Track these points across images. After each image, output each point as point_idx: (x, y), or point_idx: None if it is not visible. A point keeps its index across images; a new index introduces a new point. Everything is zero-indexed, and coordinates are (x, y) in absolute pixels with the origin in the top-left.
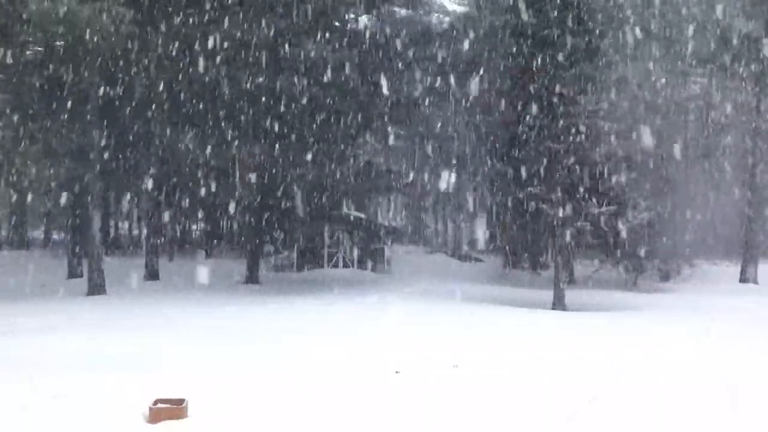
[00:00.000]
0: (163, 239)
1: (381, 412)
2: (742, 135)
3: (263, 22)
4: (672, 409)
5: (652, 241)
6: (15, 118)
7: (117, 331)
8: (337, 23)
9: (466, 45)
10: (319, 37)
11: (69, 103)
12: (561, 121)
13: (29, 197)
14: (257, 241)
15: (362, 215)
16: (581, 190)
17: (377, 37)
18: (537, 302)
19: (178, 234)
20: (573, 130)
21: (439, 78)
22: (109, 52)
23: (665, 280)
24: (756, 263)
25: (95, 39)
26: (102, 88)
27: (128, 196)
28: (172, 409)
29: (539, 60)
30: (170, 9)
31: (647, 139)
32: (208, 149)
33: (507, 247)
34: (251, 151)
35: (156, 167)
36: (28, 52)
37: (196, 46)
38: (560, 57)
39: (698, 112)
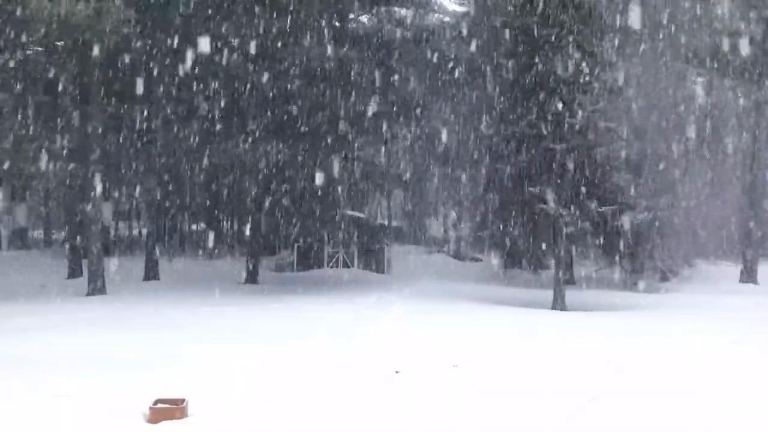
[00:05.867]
0: (163, 239)
1: (381, 412)
2: (743, 135)
3: (264, 21)
4: (671, 409)
5: (652, 241)
6: (14, 118)
7: (117, 331)
8: (337, 23)
9: (465, 45)
10: (319, 36)
11: (69, 103)
12: (561, 121)
13: (29, 197)
14: (257, 241)
15: (362, 215)
16: (581, 190)
17: (377, 36)
18: (537, 302)
19: (178, 234)
20: (573, 130)
21: (439, 77)
22: (109, 52)
23: (665, 280)
24: (756, 263)
25: (95, 39)
26: (102, 88)
27: (128, 196)
28: (172, 409)
29: (539, 60)
30: (170, 9)
31: (647, 139)
32: (208, 149)
33: (507, 247)
34: (251, 151)
35: (156, 167)
36: (28, 52)
37: (197, 47)
38: (560, 57)
39: (698, 112)
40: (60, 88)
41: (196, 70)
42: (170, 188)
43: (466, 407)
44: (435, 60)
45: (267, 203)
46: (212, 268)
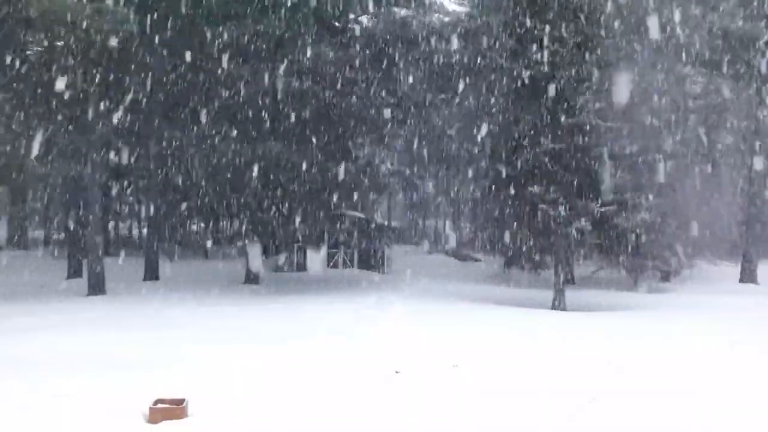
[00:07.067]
0: (163, 239)
1: (381, 412)
2: (742, 135)
3: (264, 21)
4: (671, 409)
5: (652, 241)
6: (14, 118)
7: (117, 331)
8: (337, 24)
9: (465, 45)
10: (319, 37)
11: (69, 103)
12: (561, 121)
13: (29, 197)
14: (259, 239)
15: (362, 215)
16: (581, 189)
17: (377, 37)
18: (537, 302)
19: (179, 234)
20: (573, 130)
21: (438, 78)
22: (110, 52)
23: (665, 280)
24: (756, 263)
25: (96, 38)
26: (102, 88)
27: (128, 196)
28: (172, 409)
29: (539, 59)
30: (171, 9)
31: (647, 139)
32: (208, 149)
33: (507, 247)
34: (251, 151)
35: (156, 167)
36: (28, 52)
37: (197, 47)
38: (560, 56)
39: (698, 112)
40: (59, 87)
41: (196, 69)
42: (171, 188)
43: (466, 407)
44: (434, 60)
45: (267, 203)
46: (212, 268)
